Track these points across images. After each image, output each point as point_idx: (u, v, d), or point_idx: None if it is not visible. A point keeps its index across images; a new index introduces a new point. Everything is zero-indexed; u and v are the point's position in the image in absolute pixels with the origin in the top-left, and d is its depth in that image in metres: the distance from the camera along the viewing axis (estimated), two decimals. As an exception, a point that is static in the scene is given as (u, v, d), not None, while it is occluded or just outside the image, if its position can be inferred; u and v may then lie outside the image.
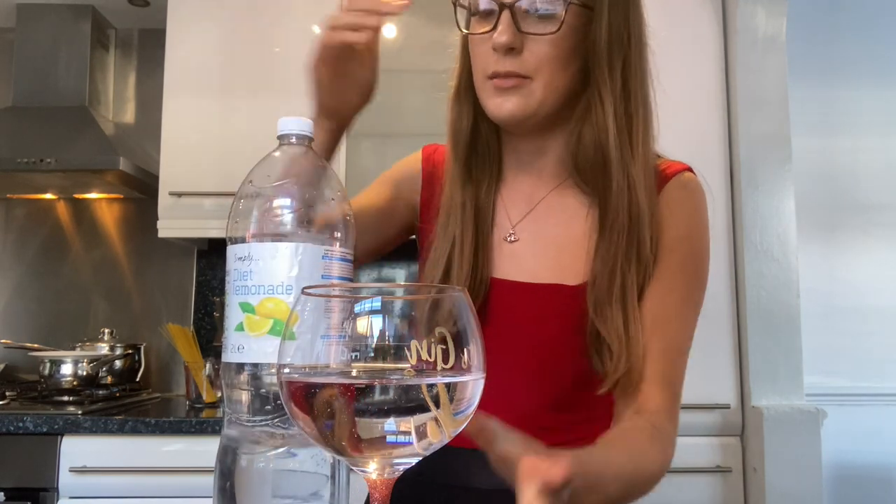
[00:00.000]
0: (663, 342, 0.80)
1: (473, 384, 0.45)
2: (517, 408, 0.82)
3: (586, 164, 0.83)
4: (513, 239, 0.88)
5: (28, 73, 2.42)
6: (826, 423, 1.93)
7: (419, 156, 0.99)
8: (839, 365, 2.52)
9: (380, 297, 0.44)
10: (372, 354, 0.44)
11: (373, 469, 0.45)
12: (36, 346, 2.35)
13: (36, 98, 2.41)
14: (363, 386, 0.43)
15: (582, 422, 0.84)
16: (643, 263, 0.80)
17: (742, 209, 2.02)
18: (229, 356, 0.61)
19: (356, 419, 0.43)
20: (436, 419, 0.43)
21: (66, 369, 2.18)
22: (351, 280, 0.65)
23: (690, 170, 0.88)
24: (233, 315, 0.61)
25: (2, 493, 1.78)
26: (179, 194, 2.18)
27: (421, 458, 0.46)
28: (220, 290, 2.50)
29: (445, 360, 0.44)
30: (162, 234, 2.20)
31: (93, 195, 2.56)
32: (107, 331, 2.39)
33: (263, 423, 0.61)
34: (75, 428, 1.81)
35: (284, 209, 0.62)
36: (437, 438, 0.43)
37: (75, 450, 1.81)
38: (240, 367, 0.60)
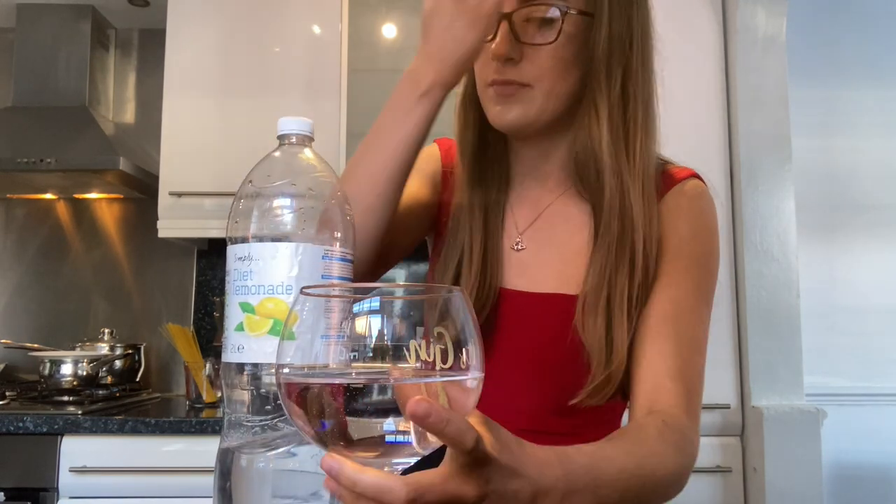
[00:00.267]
0: (674, 339, 0.78)
1: (472, 384, 0.45)
2: (524, 413, 0.83)
3: (583, 172, 0.83)
4: (520, 247, 0.88)
5: (28, 73, 2.42)
6: (826, 423, 1.93)
7: (437, 152, 0.97)
8: (839, 365, 2.52)
9: (378, 298, 0.44)
10: (371, 354, 0.44)
11: None
12: (36, 346, 2.35)
13: (36, 98, 2.41)
14: (361, 386, 0.43)
15: (589, 425, 0.84)
16: (637, 271, 0.79)
17: (742, 209, 2.02)
18: (229, 356, 0.61)
19: (355, 419, 0.43)
20: None
21: (66, 369, 2.18)
22: (351, 280, 0.65)
23: (697, 176, 0.88)
24: (233, 315, 0.61)
25: (2, 493, 1.78)
26: (179, 194, 2.18)
27: (419, 458, 0.46)
28: (220, 290, 2.50)
29: (444, 360, 0.44)
30: (162, 234, 2.20)
31: (93, 195, 2.56)
32: (107, 331, 2.39)
33: (263, 423, 0.61)
34: (75, 428, 1.81)
35: (284, 209, 0.62)
36: (436, 438, 0.43)
37: (75, 450, 1.81)
38: (240, 367, 0.60)
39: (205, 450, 1.78)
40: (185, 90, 2.24)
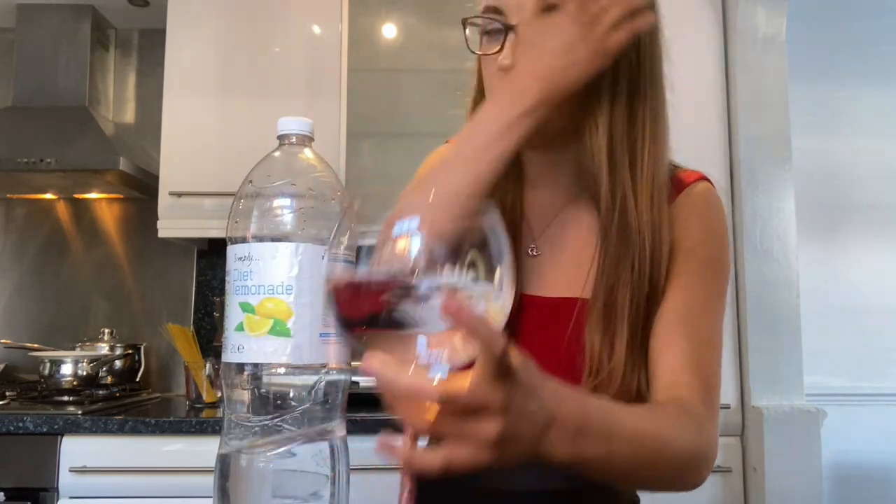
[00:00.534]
0: (689, 337, 0.78)
1: (502, 302, 0.50)
2: None
3: (587, 182, 0.83)
4: (535, 253, 0.88)
5: (28, 73, 2.42)
6: (826, 423, 1.93)
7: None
8: (839, 365, 2.52)
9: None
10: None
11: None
12: (36, 346, 2.35)
13: (36, 98, 2.41)
14: (399, 293, 0.48)
15: None
16: (644, 280, 0.79)
17: (742, 209, 2.02)
18: (229, 356, 0.61)
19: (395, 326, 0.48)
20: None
21: (66, 369, 2.18)
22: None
23: (705, 178, 0.88)
24: (233, 315, 0.61)
25: (2, 493, 1.78)
26: (179, 194, 2.18)
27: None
28: (220, 290, 2.50)
29: (476, 281, 0.49)
30: (162, 234, 2.20)
31: (93, 195, 2.56)
32: (107, 331, 2.39)
33: (263, 423, 0.61)
34: (75, 428, 1.81)
35: (284, 209, 0.62)
36: (466, 352, 0.48)
37: (75, 450, 1.81)
38: (240, 367, 0.60)
39: (205, 450, 1.78)
40: (185, 90, 2.24)
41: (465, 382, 0.48)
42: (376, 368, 0.49)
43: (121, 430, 1.82)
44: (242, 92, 2.24)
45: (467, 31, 0.83)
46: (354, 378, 0.63)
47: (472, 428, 0.50)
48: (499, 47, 0.79)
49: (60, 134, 2.30)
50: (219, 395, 2.11)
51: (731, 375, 1.98)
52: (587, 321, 0.80)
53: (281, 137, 0.66)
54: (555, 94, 0.74)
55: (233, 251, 0.62)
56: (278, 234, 0.62)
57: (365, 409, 1.91)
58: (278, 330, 0.59)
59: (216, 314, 2.49)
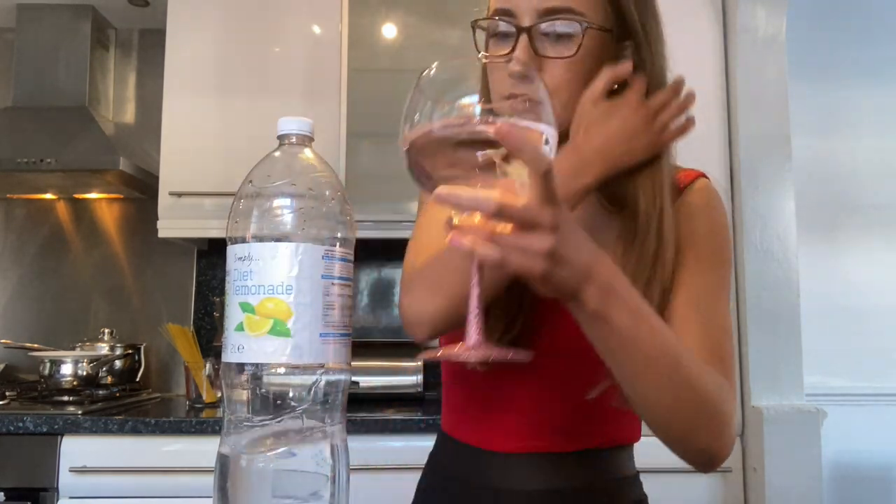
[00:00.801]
0: (702, 323, 0.80)
1: (547, 131, 0.56)
2: (557, 412, 0.85)
3: (612, 185, 0.84)
4: None
5: (28, 73, 2.42)
6: (826, 423, 1.94)
7: None
8: (839, 365, 2.52)
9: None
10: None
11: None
12: (36, 346, 2.35)
13: (36, 98, 2.41)
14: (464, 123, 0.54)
15: (613, 422, 0.87)
16: (666, 272, 0.80)
17: (742, 209, 2.02)
18: (229, 356, 0.61)
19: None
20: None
21: (66, 369, 2.18)
22: (350, 280, 0.65)
23: (703, 175, 0.90)
24: (233, 315, 0.61)
25: (2, 493, 1.78)
26: (179, 194, 2.18)
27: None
28: (220, 290, 2.50)
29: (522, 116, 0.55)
30: (162, 234, 2.20)
31: (93, 195, 2.56)
32: (107, 331, 2.39)
33: (263, 423, 0.61)
34: (75, 428, 1.81)
35: (284, 209, 0.62)
36: (517, 173, 0.53)
37: (75, 450, 1.81)
38: (240, 367, 0.60)
39: (205, 450, 1.78)
40: (185, 90, 2.24)
41: (520, 199, 0.53)
42: (443, 189, 0.54)
43: (121, 430, 1.82)
44: (242, 92, 2.24)
45: (475, 34, 0.83)
46: (354, 378, 0.63)
47: (527, 239, 0.53)
48: (509, 50, 0.79)
49: (60, 134, 2.30)
50: (219, 395, 2.11)
51: (731, 375, 1.98)
52: None
53: (281, 137, 0.66)
54: (611, 173, 0.79)
55: (233, 251, 0.62)
56: (278, 234, 0.62)
57: (365, 409, 1.92)
58: (278, 330, 0.59)
59: (216, 314, 2.49)
